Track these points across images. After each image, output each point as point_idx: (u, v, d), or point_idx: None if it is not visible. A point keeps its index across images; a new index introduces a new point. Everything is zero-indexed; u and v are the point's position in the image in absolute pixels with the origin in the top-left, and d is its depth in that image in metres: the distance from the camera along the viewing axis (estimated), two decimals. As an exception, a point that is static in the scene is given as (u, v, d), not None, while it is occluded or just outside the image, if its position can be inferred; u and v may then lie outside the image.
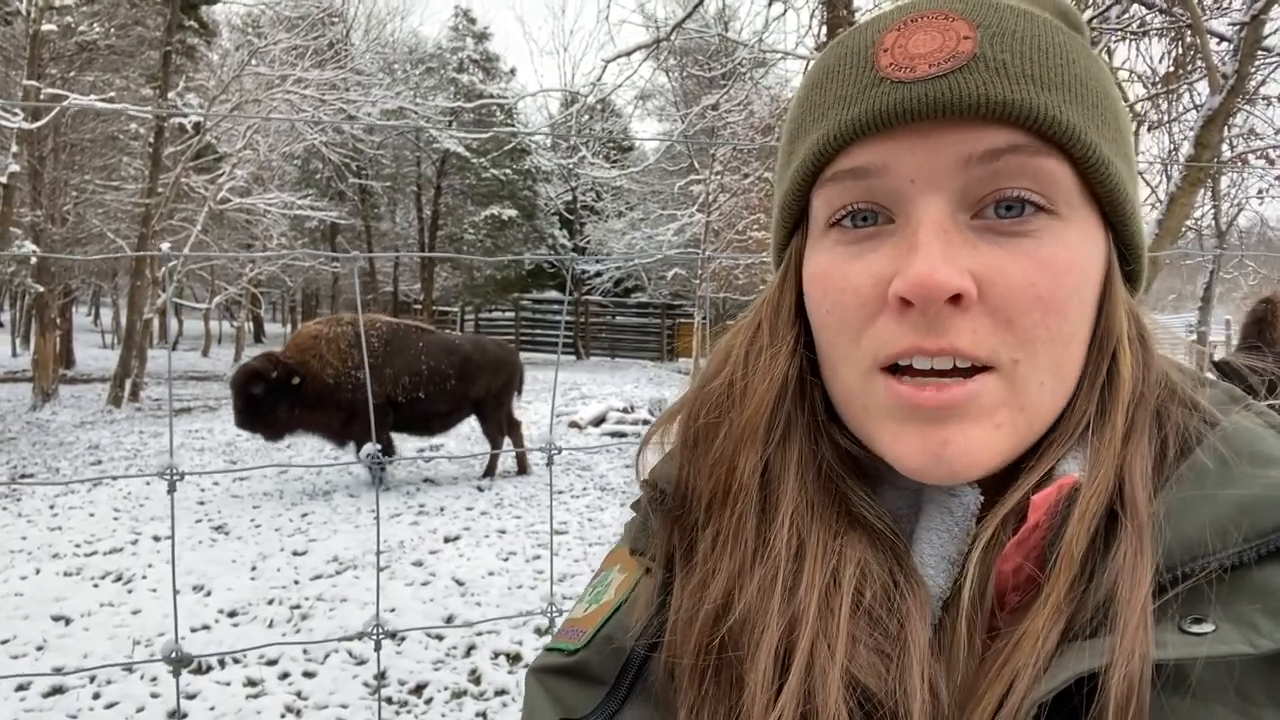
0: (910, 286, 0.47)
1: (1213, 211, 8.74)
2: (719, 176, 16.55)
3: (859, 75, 0.51)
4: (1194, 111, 5.86)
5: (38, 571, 5.26)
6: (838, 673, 0.47)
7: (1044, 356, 0.48)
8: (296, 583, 5.17)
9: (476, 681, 3.96)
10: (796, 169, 0.54)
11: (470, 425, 9.00)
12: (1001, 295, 0.47)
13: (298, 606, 4.78)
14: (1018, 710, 0.42)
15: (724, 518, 0.55)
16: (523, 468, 8.64)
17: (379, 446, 1.51)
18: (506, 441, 8.74)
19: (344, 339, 7.83)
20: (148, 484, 7.48)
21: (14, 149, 11.55)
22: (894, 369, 0.50)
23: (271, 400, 7.33)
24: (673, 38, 7.95)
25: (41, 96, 11.61)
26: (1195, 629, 0.42)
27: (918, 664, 0.46)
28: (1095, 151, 0.49)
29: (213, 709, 3.63)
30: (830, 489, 0.54)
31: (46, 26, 12.12)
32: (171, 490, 1.17)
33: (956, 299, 0.47)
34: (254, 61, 15.95)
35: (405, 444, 9.92)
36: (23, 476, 8.36)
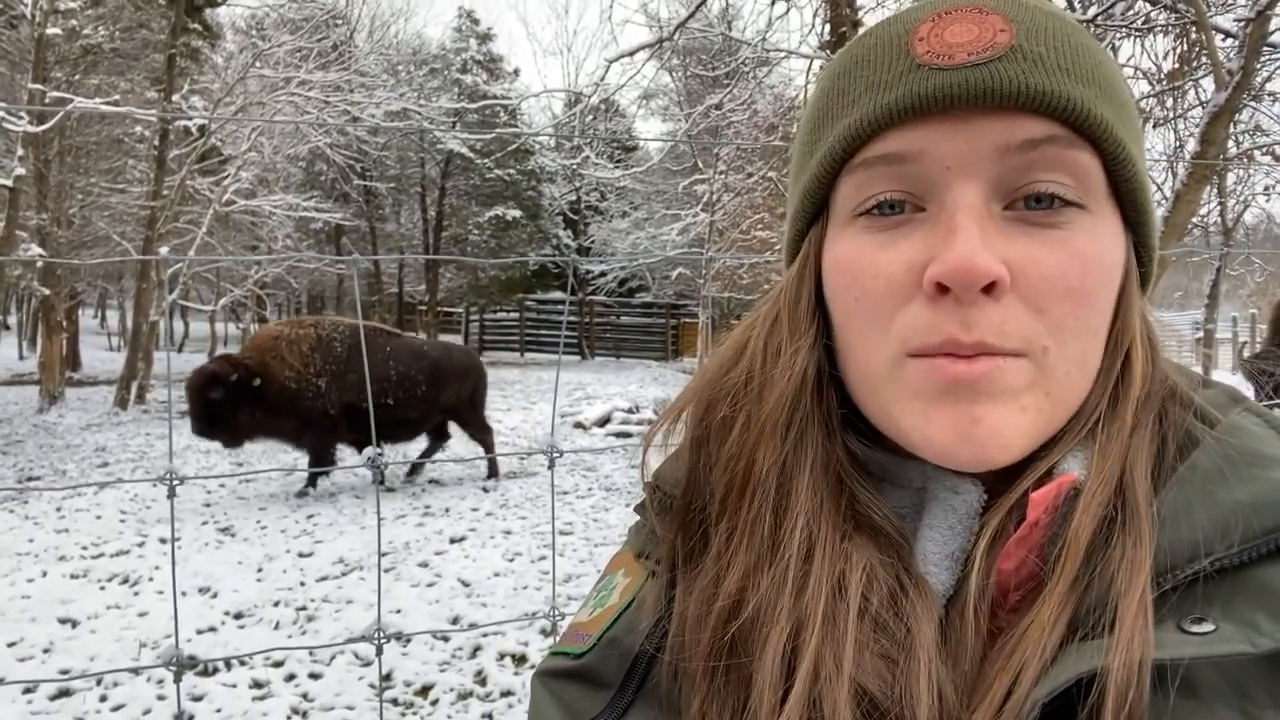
0: (949, 271, 0.46)
1: (1219, 208, 8.71)
2: (723, 176, 16.53)
3: (894, 62, 0.51)
4: (1199, 108, 5.84)
5: (44, 574, 5.27)
6: (845, 680, 0.46)
7: (1072, 346, 0.49)
8: (303, 584, 5.18)
9: (482, 683, 3.96)
10: (824, 156, 0.54)
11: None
12: (1034, 284, 0.48)
13: (304, 608, 4.78)
14: (1020, 707, 0.42)
15: (740, 513, 0.54)
16: (493, 471, 8.49)
17: (380, 450, 1.50)
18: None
19: (306, 341, 7.49)
20: (154, 486, 7.49)
21: (19, 152, 11.57)
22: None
23: (231, 405, 6.99)
24: (676, 37, 7.95)
25: (46, 100, 11.64)
26: (1195, 629, 0.42)
27: (924, 668, 0.46)
28: (1124, 148, 0.50)
29: (219, 711, 3.64)
30: (840, 488, 0.54)
31: (51, 30, 12.15)
32: (171, 495, 1.17)
33: (990, 287, 0.47)
34: (258, 64, 15.97)
35: (411, 448, 9.93)
36: (30, 479, 8.39)
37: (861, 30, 0.57)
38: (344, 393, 7.55)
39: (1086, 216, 0.49)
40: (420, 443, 8.91)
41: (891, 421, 0.52)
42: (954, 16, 0.50)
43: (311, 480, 7.63)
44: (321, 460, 7.51)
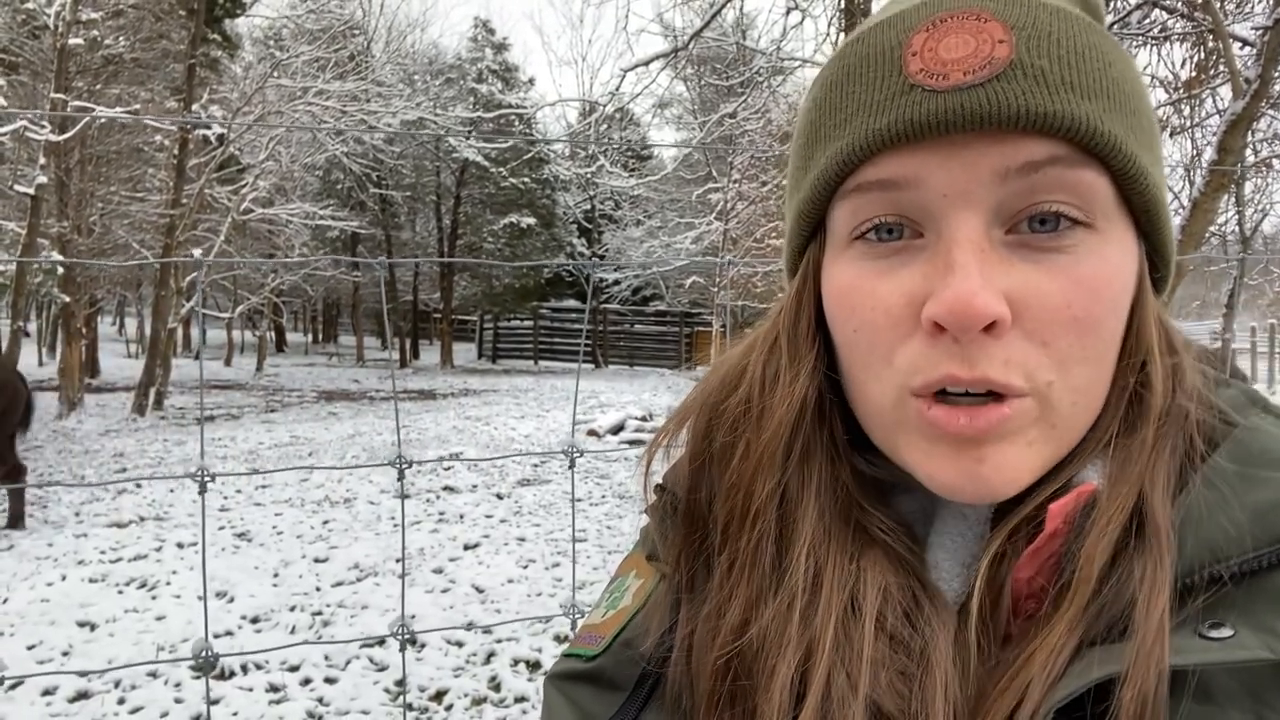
0: (947, 312, 0.44)
1: (1236, 217, 8.65)
2: (737, 184, 16.54)
3: (886, 80, 0.48)
4: (1217, 116, 5.82)
5: (63, 578, 5.32)
6: (860, 700, 0.46)
7: (1078, 376, 0.47)
8: (318, 589, 5.21)
9: (496, 689, 3.97)
10: (816, 178, 0.51)
11: (494, 429, 8.90)
12: (1037, 317, 0.45)
13: (319, 613, 4.81)
14: (1032, 717, 0.42)
15: (740, 543, 0.53)
16: (16, 519, 6.47)
17: (405, 463, 1.51)
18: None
19: None
20: (171, 491, 7.55)
21: (41, 161, 11.73)
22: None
23: None
24: (691, 47, 7.98)
25: (68, 109, 11.79)
26: (1213, 634, 0.41)
27: (941, 684, 0.45)
28: (1135, 162, 0.47)
29: (235, 714, 3.66)
30: (848, 513, 0.52)
31: (73, 40, 12.31)
32: (202, 491, 1.20)
33: (990, 326, 0.45)
34: (276, 74, 16.15)
35: (424, 451, 9.97)
36: (49, 484, 8.46)
37: (855, 32, 0.51)
38: None
39: (1094, 236, 0.46)
40: None
41: (897, 454, 0.51)
42: (949, 25, 0.47)
43: None
44: None
